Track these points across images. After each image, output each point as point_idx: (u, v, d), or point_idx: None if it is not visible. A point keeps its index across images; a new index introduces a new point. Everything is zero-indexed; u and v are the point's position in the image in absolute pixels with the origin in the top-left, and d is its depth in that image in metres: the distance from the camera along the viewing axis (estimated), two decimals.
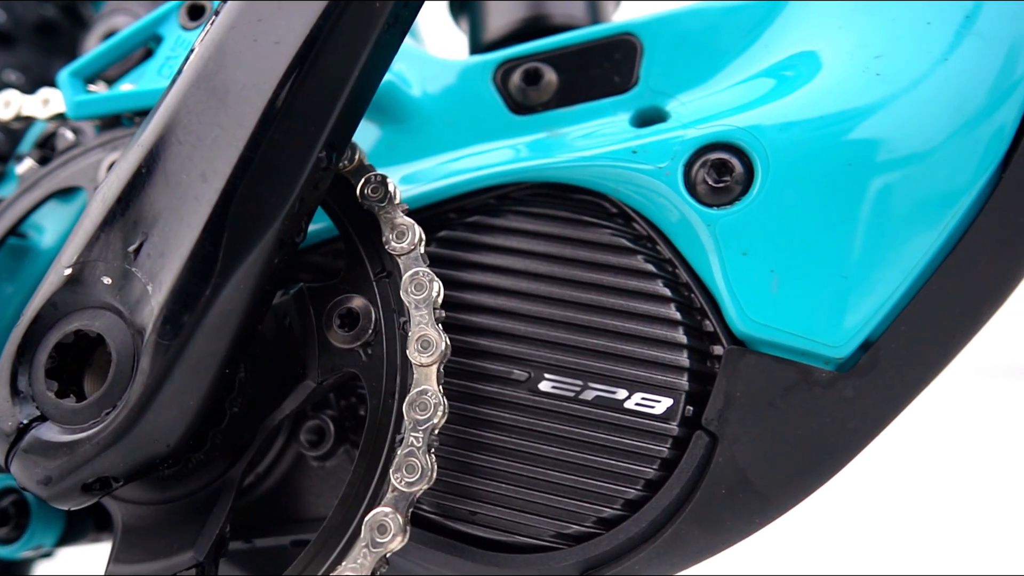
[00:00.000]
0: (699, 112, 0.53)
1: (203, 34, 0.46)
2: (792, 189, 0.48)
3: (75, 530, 0.58)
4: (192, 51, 0.46)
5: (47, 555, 0.71)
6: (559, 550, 0.49)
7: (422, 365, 0.47)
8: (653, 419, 0.49)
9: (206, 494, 0.50)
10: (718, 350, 0.50)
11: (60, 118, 0.58)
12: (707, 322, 0.51)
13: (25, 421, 0.46)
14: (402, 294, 0.48)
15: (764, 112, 0.50)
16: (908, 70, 0.49)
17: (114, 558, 0.49)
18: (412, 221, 0.50)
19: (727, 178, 0.49)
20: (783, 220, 0.48)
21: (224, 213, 0.44)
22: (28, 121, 0.59)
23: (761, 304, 0.48)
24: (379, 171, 0.51)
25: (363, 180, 0.51)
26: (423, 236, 0.50)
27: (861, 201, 0.48)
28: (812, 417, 0.48)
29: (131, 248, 0.45)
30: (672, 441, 0.49)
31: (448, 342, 0.47)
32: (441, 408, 0.46)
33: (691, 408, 0.49)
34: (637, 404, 0.49)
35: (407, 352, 0.47)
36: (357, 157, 0.51)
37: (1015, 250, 0.48)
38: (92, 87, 0.57)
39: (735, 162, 0.49)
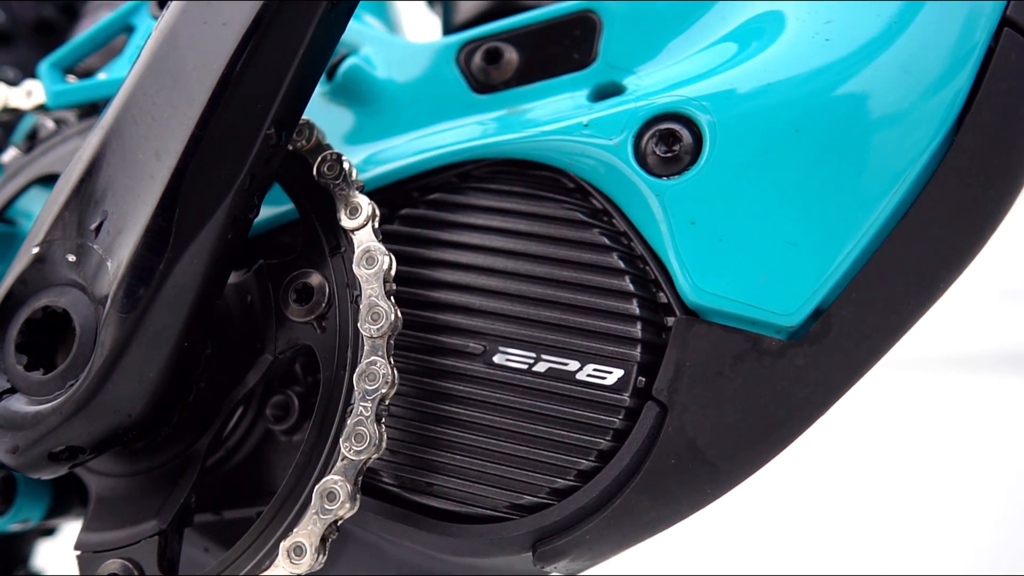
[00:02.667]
0: (653, 85, 0.53)
1: (160, 19, 0.48)
2: (739, 157, 0.48)
3: (60, 505, 0.60)
4: (150, 36, 0.48)
5: (48, 533, 0.74)
6: (512, 520, 0.49)
7: (372, 337, 0.48)
8: (605, 390, 0.49)
9: (174, 466, 0.52)
10: (671, 322, 0.50)
11: (43, 109, 0.60)
12: (661, 294, 0.51)
13: None
14: (354, 268, 0.49)
15: (713, 82, 0.50)
16: (857, 35, 0.48)
17: (85, 527, 0.51)
18: (366, 198, 0.51)
19: (675, 148, 0.49)
20: (730, 189, 0.48)
21: (176, 189, 0.46)
22: (16, 113, 0.62)
23: (710, 273, 0.48)
24: (335, 150, 0.52)
25: (319, 159, 0.52)
26: (376, 212, 0.51)
27: (808, 167, 0.47)
28: (762, 386, 0.47)
29: (92, 226, 0.47)
30: (624, 412, 0.49)
31: (398, 314, 0.48)
32: (390, 379, 0.47)
33: (643, 379, 0.49)
34: (589, 375, 0.50)
35: (358, 324, 0.48)
36: (315, 137, 0.53)
37: (970, 215, 0.47)
38: (71, 77, 0.59)
39: (684, 132, 0.49)
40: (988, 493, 1.28)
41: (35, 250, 0.48)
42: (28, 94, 0.60)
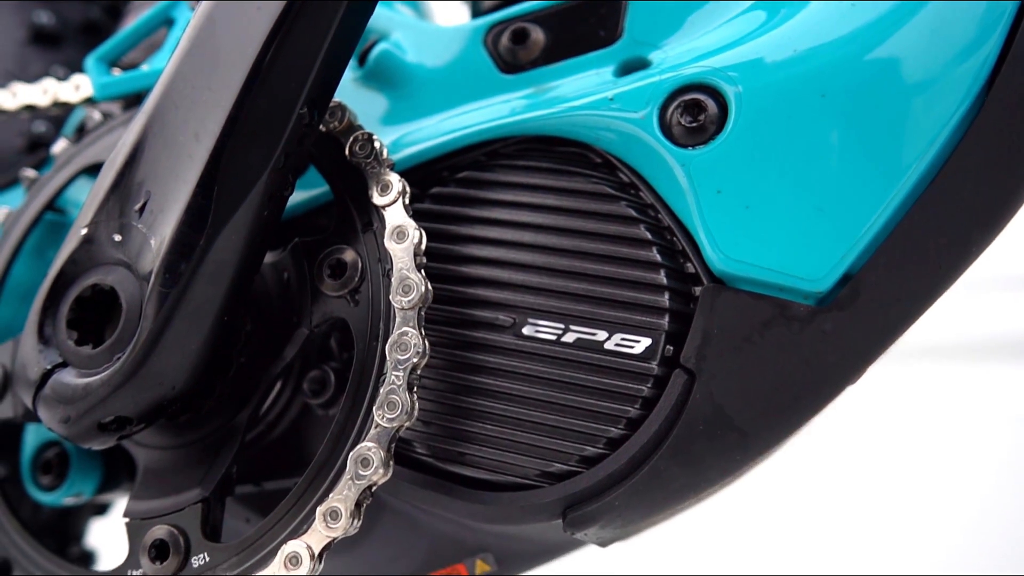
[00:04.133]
0: (678, 57, 0.53)
1: (197, 7, 0.50)
2: (765, 124, 0.48)
3: (111, 480, 0.63)
4: (188, 24, 0.50)
5: (101, 511, 0.77)
6: (542, 488, 0.50)
7: (403, 308, 0.49)
8: (633, 359, 0.50)
9: (216, 438, 0.54)
10: (699, 291, 0.50)
11: (90, 101, 0.63)
12: (688, 264, 0.51)
13: (48, 367, 0.50)
14: (386, 243, 0.50)
15: (738, 52, 0.50)
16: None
17: (133, 496, 0.53)
18: (397, 176, 0.52)
19: (701, 118, 0.50)
20: (756, 155, 0.48)
21: (215, 168, 0.48)
22: (66, 107, 0.65)
23: (737, 241, 0.48)
24: (367, 131, 0.53)
25: (352, 139, 0.53)
26: (407, 189, 0.52)
27: (835, 132, 0.47)
28: (790, 352, 0.47)
29: (136, 207, 0.49)
30: (653, 380, 0.49)
31: (428, 286, 0.49)
32: (420, 348, 0.48)
33: (671, 348, 0.50)
34: (617, 345, 0.50)
35: (390, 297, 0.49)
36: (347, 118, 0.54)
37: (1001, 177, 0.46)
38: (116, 70, 0.61)
39: (709, 102, 0.50)
40: (988, 488, 1.25)
41: (83, 231, 0.51)
42: (76, 88, 0.63)
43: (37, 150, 0.72)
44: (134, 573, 0.51)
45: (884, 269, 0.47)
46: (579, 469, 0.50)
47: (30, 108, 0.64)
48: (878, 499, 1.25)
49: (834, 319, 0.47)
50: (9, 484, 0.64)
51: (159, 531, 0.51)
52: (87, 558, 0.74)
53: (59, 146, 0.62)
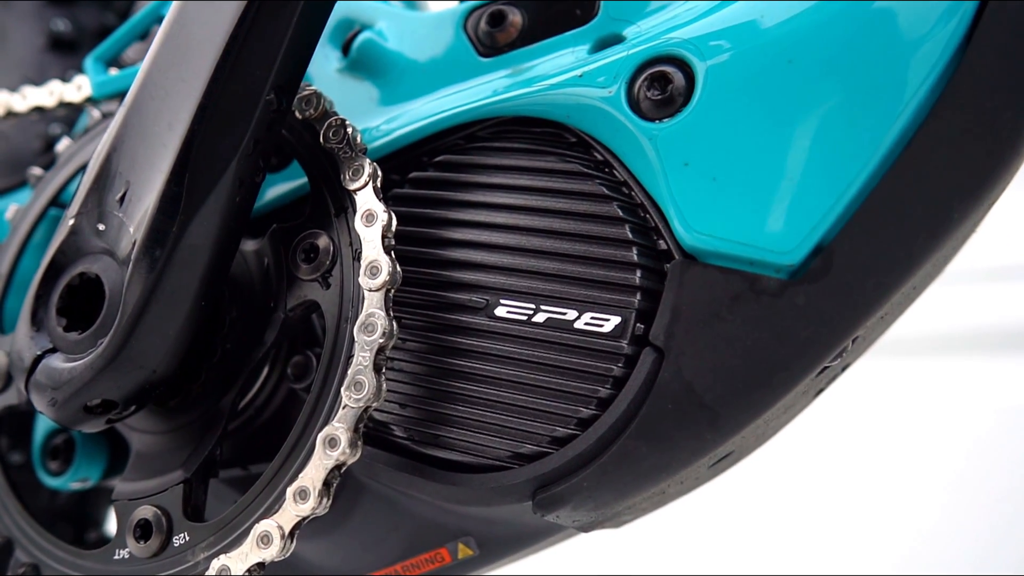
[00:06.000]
0: (649, 31, 0.52)
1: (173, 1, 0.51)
2: (731, 93, 0.47)
3: (117, 466, 0.65)
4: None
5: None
6: (512, 469, 0.50)
7: (371, 290, 0.49)
8: (602, 337, 0.49)
9: (202, 422, 0.55)
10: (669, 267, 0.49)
11: (91, 100, 0.65)
12: (661, 241, 0.50)
13: (39, 352, 0.52)
14: (356, 226, 0.51)
15: (706, 22, 0.49)
16: None
17: (122, 479, 0.55)
18: (368, 160, 0.52)
19: (668, 90, 0.49)
20: (723, 126, 0.47)
21: (187, 156, 0.49)
22: (71, 107, 0.67)
23: (705, 214, 0.47)
24: (340, 117, 0.54)
25: (325, 125, 0.54)
26: (378, 173, 0.52)
27: (803, 99, 0.46)
28: (760, 327, 0.46)
29: (117, 196, 0.51)
30: (624, 359, 0.49)
31: (396, 268, 0.50)
32: (387, 329, 0.48)
33: (642, 326, 0.49)
34: (586, 324, 0.49)
35: (358, 279, 0.50)
36: (322, 105, 0.55)
37: (983, 139, 0.44)
38: (113, 70, 0.64)
39: (675, 73, 0.49)
40: (977, 484, 1.18)
41: (71, 222, 0.53)
42: (78, 88, 0.66)
43: (51, 151, 0.75)
44: (121, 551, 0.52)
45: (858, 239, 0.45)
46: (550, 450, 0.49)
47: (39, 109, 0.67)
48: (867, 496, 1.21)
49: (806, 292, 0.45)
50: (25, 471, 0.67)
51: (144, 511, 0.52)
52: (105, 543, 0.77)
53: (62, 145, 0.65)
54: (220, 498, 0.59)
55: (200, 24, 0.49)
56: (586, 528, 0.53)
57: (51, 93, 0.67)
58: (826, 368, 0.49)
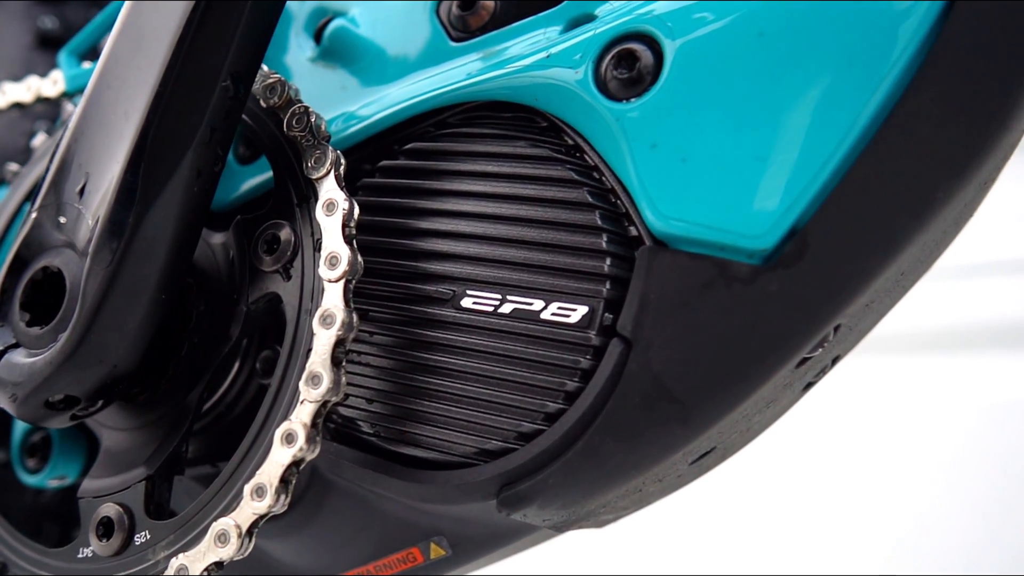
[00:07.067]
0: (620, 8, 0.50)
1: None
2: (699, 70, 0.45)
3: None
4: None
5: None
6: (478, 466, 0.48)
7: (331, 281, 0.48)
8: (569, 328, 0.47)
9: (169, 418, 0.54)
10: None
11: (66, 95, 0.65)
12: (632, 228, 0.48)
13: (2, 348, 0.52)
14: (317, 216, 0.49)
15: None
16: None
17: (88, 476, 0.54)
18: (331, 149, 0.51)
19: (636, 69, 0.46)
20: (691, 105, 0.45)
21: (142, 146, 0.48)
22: (50, 102, 0.67)
23: (674, 198, 0.45)
24: (304, 104, 0.53)
25: (289, 113, 0.53)
26: (341, 161, 0.51)
27: (775, 73, 0.43)
28: (731, 316, 0.43)
29: (77, 188, 0.50)
30: (592, 351, 0.46)
31: (357, 259, 0.48)
32: (347, 322, 0.47)
33: (610, 316, 0.47)
34: (553, 314, 0.47)
35: (317, 270, 0.48)
36: (287, 93, 0.53)
37: (968, 112, 0.41)
38: (87, 63, 0.63)
39: (643, 51, 0.46)
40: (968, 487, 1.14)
41: (34, 215, 0.52)
42: (54, 83, 0.65)
43: None
44: (85, 550, 0.52)
45: (834, 222, 0.42)
46: (516, 446, 0.47)
47: (18, 106, 0.67)
48: (855, 494, 1.18)
49: (779, 278, 0.43)
50: (6, 469, 0.67)
51: (107, 509, 0.51)
52: None
53: (38, 140, 0.64)
54: (192, 496, 0.58)
55: (154, 11, 0.48)
56: (559, 528, 0.51)
57: (28, 89, 0.66)
58: (807, 359, 0.46)
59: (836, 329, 0.46)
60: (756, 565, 1.14)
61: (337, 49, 0.60)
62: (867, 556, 1.14)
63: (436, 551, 0.54)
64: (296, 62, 0.62)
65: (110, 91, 0.49)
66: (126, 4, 0.50)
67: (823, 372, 0.54)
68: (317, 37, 0.61)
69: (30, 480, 0.64)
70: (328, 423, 0.54)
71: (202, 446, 0.58)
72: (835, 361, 0.54)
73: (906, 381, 1.21)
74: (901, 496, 1.16)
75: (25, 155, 0.76)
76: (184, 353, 0.54)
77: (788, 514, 1.18)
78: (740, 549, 1.16)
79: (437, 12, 0.58)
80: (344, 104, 0.59)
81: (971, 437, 1.15)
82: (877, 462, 1.18)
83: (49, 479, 0.63)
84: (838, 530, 1.16)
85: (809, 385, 0.54)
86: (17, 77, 0.76)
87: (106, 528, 0.51)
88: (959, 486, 1.14)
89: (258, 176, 0.59)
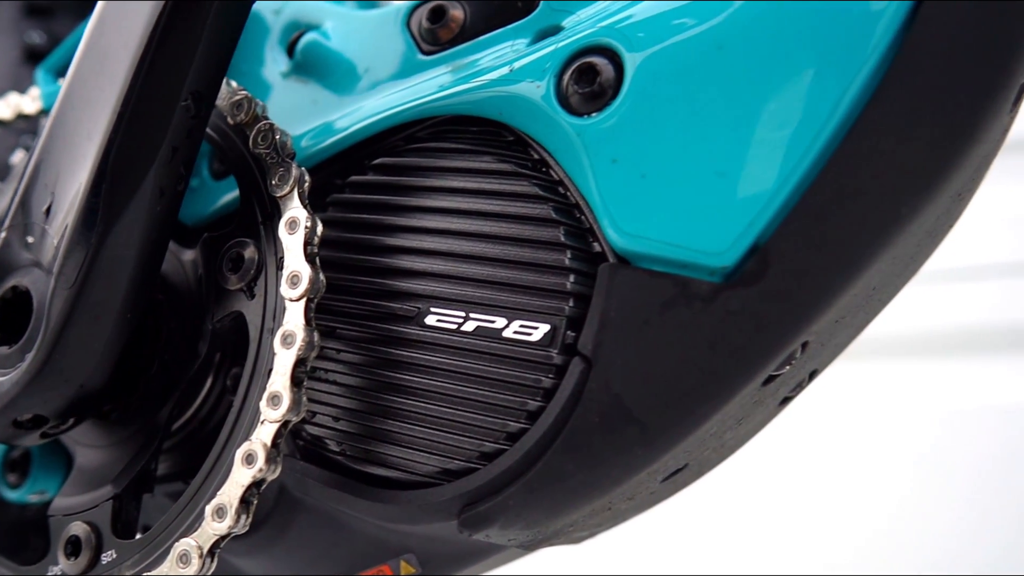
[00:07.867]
0: (585, 21, 0.49)
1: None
2: (659, 84, 0.44)
3: None
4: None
5: None
6: (439, 486, 0.47)
7: (292, 300, 0.48)
8: (531, 347, 0.46)
9: (140, 436, 0.54)
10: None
11: (44, 112, 0.65)
12: (596, 244, 0.47)
13: None
14: (280, 234, 0.49)
15: (638, 8, 0.46)
16: None
17: (60, 493, 0.54)
18: (295, 166, 0.51)
19: (596, 83, 0.46)
20: (651, 119, 0.44)
21: (104, 166, 0.48)
22: (29, 119, 0.67)
23: (634, 214, 0.44)
24: (269, 121, 0.52)
25: (255, 130, 0.52)
26: (306, 178, 0.51)
27: (735, 87, 0.42)
28: (692, 335, 0.43)
29: (44, 208, 0.50)
30: (554, 370, 0.46)
31: (319, 277, 0.48)
32: (308, 341, 0.46)
33: (573, 334, 0.46)
34: (515, 332, 0.47)
35: (279, 289, 0.48)
36: (253, 110, 0.53)
37: (937, 123, 0.40)
38: (62, 80, 0.63)
39: (604, 65, 0.46)
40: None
41: (3, 234, 0.52)
42: (33, 99, 0.66)
43: None
44: (53, 568, 0.52)
45: (796, 239, 0.41)
46: (478, 466, 0.47)
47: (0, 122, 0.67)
48: (834, 499, 1.16)
49: (740, 296, 0.42)
50: None
51: (76, 528, 0.52)
52: None
53: (17, 157, 0.65)
54: (163, 512, 0.58)
55: (116, 32, 0.48)
56: (527, 547, 0.51)
57: (8, 105, 0.67)
58: (774, 377, 0.45)
59: (804, 346, 0.45)
60: (746, 566, 1.13)
61: (309, 63, 0.60)
62: (867, 555, 1.13)
63: (406, 568, 0.53)
64: (271, 76, 0.62)
65: (74, 111, 0.50)
66: (90, 24, 0.50)
67: (800, 387, 0.53)
68: (290, 51, 0.61)
69: (11, 495, 0.64)
70: (297, 441, 0.54)
71: (176, 463, 0.58)
72: (812, 376, 0.53)
73: (895, 385, 1.20)
74: (892, 500, 1.15)
75: (6, 172, 0.77)
76: (154, 370, 0.54)
77: (787, 515, 1.17)
78: (723, 553, 1.16)
79: (408, 25, 0.58)
80: (316, 118, 0.59)
81: (961, 442, 1.13)
82: (869, 466, 1.17)
83: (29, 494, 0.63)
84: (838, 530, 1.15)
85: (787, 400, 0.53)
86: (2, 92, 0.77)
87: (74, 546, 0.51)
88: (948, 490, 1.13)
89: (231, 192, 0.59)
